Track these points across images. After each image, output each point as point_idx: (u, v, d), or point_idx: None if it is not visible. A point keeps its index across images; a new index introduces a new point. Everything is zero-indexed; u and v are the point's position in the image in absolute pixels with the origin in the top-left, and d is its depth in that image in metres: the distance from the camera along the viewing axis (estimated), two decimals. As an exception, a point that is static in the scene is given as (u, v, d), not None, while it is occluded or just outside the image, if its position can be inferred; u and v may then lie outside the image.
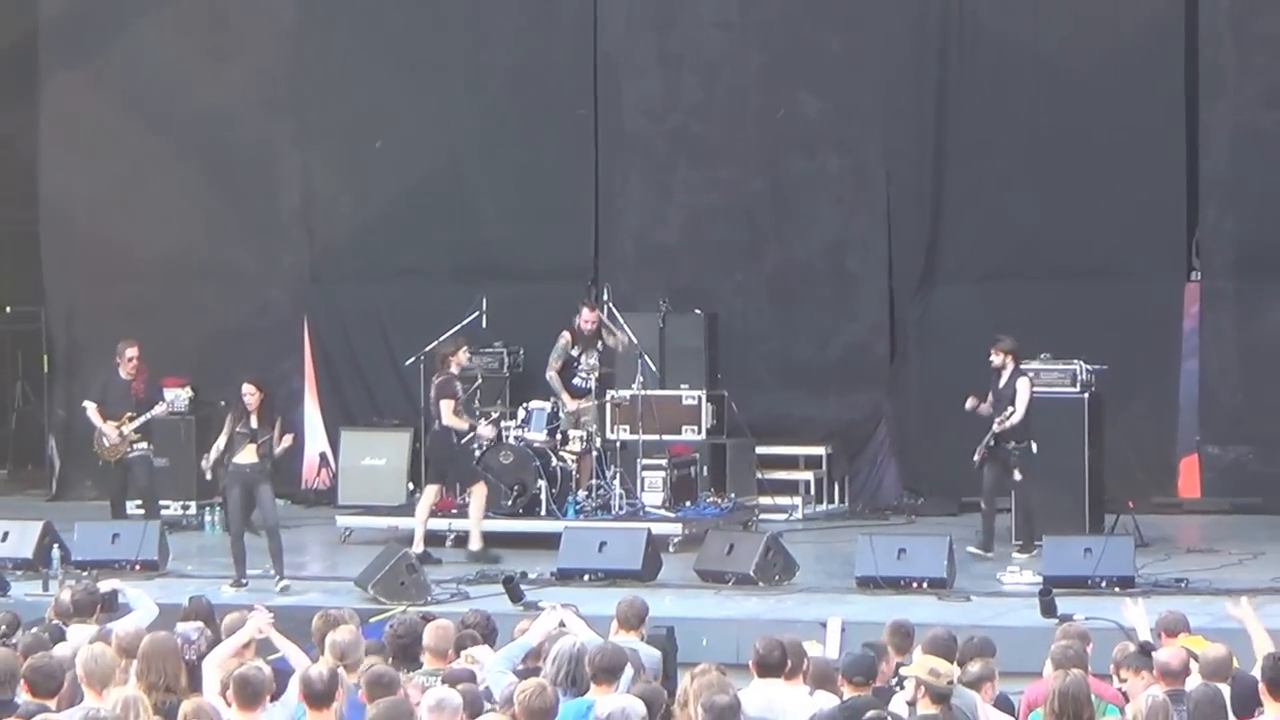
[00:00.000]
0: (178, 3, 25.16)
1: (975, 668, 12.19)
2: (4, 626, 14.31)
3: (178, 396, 21.34)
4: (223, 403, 20.95)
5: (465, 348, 21.20)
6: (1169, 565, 19.60)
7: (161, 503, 22.06)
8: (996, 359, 20.49)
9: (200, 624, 13.83)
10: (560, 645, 11.80)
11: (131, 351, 21.56)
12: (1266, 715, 10.97)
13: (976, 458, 20.34)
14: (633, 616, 13.74)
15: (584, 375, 22.13)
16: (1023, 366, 20.62)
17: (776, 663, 12.15)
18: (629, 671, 11.76)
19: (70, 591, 15.29)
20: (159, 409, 21.47)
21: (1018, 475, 20.16)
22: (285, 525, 21.28)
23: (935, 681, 11.03)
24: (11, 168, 25.82)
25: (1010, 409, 20.08)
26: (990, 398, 20.43)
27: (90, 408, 21.68)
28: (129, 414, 21.38)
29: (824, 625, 13.68)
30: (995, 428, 20.05)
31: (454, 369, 20.87)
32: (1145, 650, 13.06)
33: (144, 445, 21.56)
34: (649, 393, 21.85)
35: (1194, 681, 11.88)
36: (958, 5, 23.59)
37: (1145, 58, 23.04)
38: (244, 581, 19.18)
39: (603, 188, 24.64)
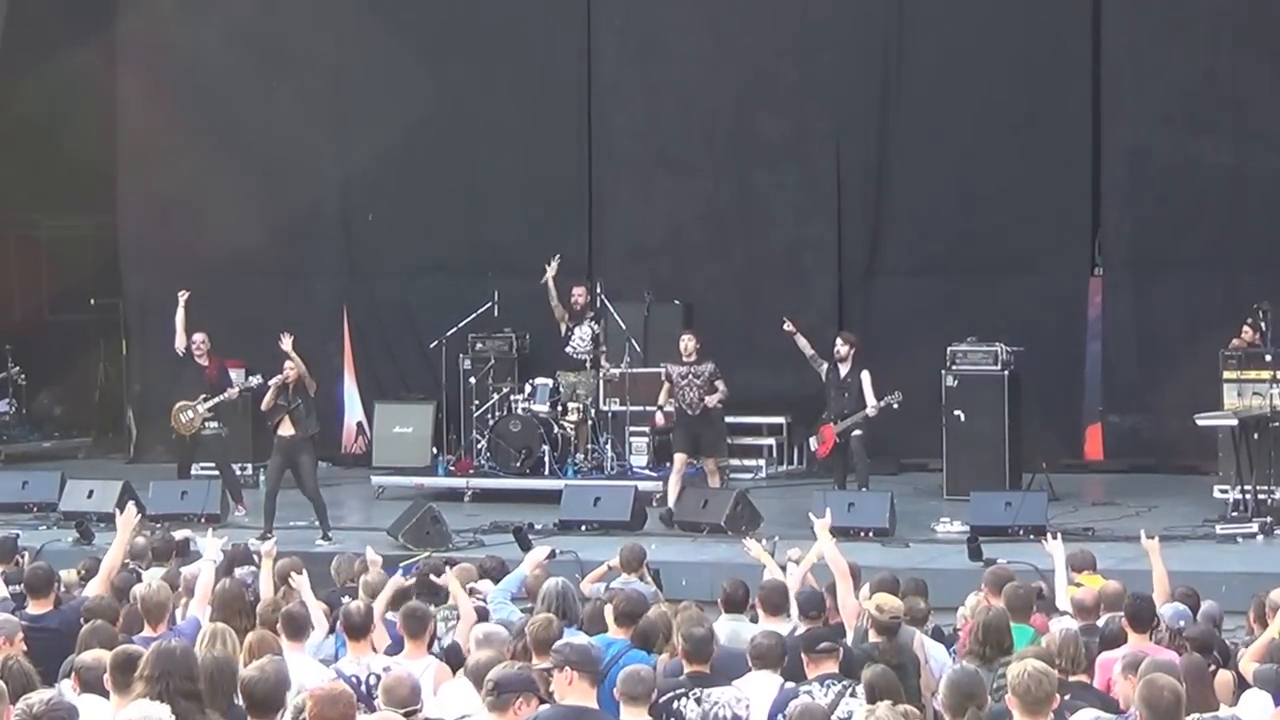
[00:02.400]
0: (237, 40, 25.10)
1: (919, 605, 12.21)
2: (85, 570, 14.33)
3: (247, 379, 21.16)
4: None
5: (687, 336, 20.88)
6: (1077, 516, 19.65)
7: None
8: (844, 349, 20.41)
9: (254, 569, 13.85)
10: (547, 586, 11.79)
11: (199, 337, 21.34)
12: (1130, 644, 11.00)
13: (820, 450, 20.41)
14: (633, 560, 13.87)
15: (576, 348, 22.11)
16: (955, 347, 20.82)
17: (741, 600, 12.15)
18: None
19: (145, 540, 15.29)
20: (231, 393, 21.22)
21: (858, 432, 20.15)
22: (328, 484, 21.33)
23: (880, 615, 11.03)
24: (96, 183, 25.76)
25: (870, 405, 20.02)
26: (831, 389, 20.38)
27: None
28: (203, 395, 21.21)
29: (784, 568, 13.68)
30: (865, 415, 20.00)
31: (684, 358, 20.71)
32: (1040, 595, 13.09)
33: (216, 424, 21.39)
34: (636, 371, 21.83)
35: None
36: (897, 41, 23.57)
37: (1056, 85, 23.04)
38: (269, 535, 19.04)
39: (596, 197, 24.61)
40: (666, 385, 20.76)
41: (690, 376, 20.56)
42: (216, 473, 21.36)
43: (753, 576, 12.97)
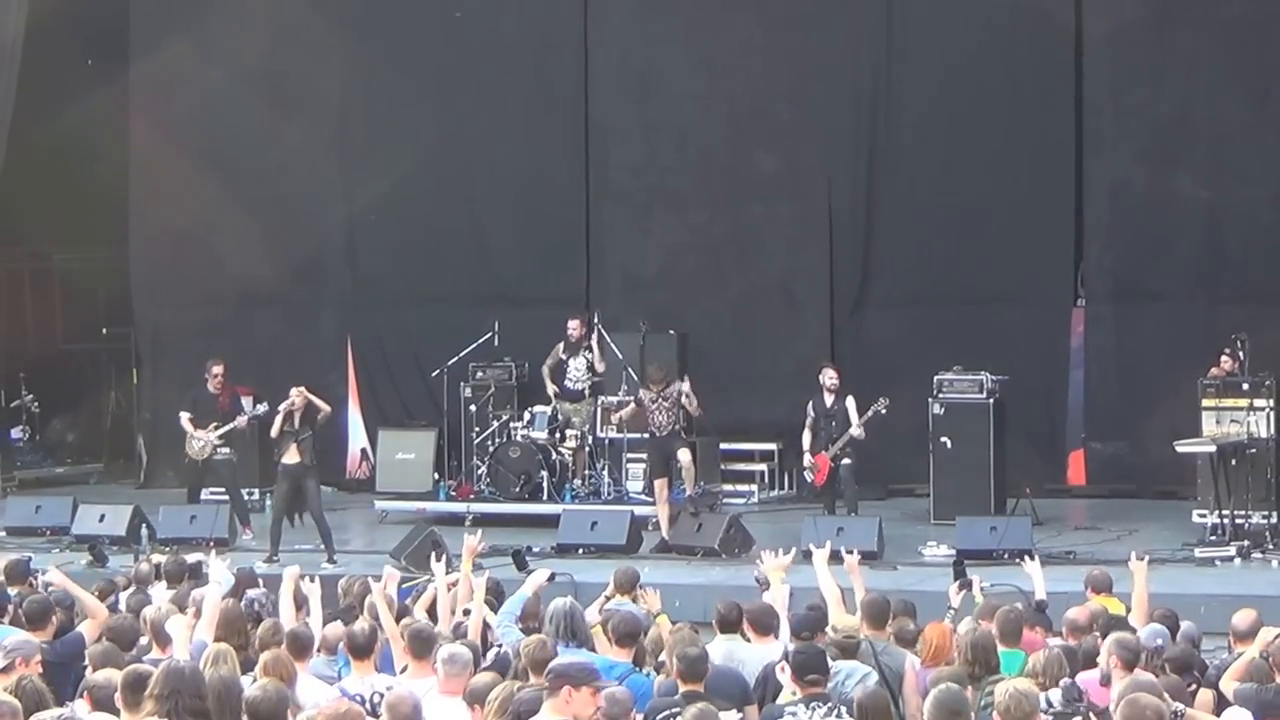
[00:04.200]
0: (245, 74, 25.13)
1: (908, 626, 12.16)
2: (98, 593, 14.29)
3: (254, 407, 21.21)
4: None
5: (654, 364, 20.55)
6: (1060, 540, 19.65)
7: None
8: (834, 380, 20.43)
9: (265, 590, 13.83)
10: (554, 606, 11.73)
11: (217, 369, 21.34)
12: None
13: (817, 478, 20.38)
14: (626, 582, 13.80)
15: (573, 379, 22.11)
16: (942, 376, 20.87)
17: (735, 621, 12.11)
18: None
19: (150, 565, 15.27)
20: (240, 420, 21.25)
21: (847, 460, 20.17)
22: (333, 508, 21.30)
23: (834, 636, 10.99)
24: (108, 217, 25.78)
25: (854, 425, 20.06)
26: (811, 418, 20.38)
27: (183, 417, 21.38)
28: (214, 424, 21.18)
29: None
30: (850, 435, 20.06)
31: (650, 384, 20.41)
32: (1040, 608, 13.07)
33: (227, 450, 21.36)
34: (629, 399, 21.79)
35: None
36: (885, 79, 23.62)
37: (1040, 122, 23.07)
38: (275, 558, 18.98)
39: (593, 230, 24.62)
40: (642, 415, 20.62)
41: (660, 400, 20.40)
42: (225, 497, 21.35)
43: (745, 598, 12.95)
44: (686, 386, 20.38)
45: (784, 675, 10.41)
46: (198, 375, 21.74)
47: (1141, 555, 13.57)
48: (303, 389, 19.73)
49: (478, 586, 12.64)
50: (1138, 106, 22.86)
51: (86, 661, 10.87)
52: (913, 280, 23.50)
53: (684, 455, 20.24)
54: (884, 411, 20.09)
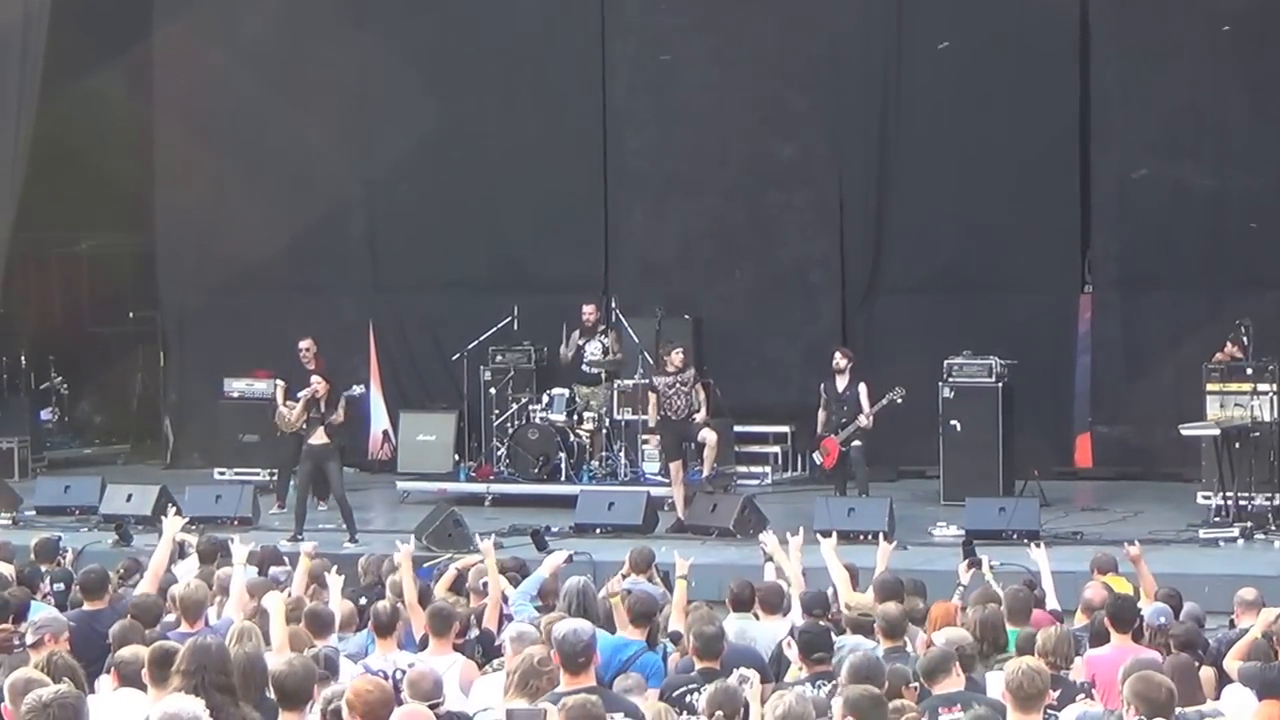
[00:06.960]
0: (267, 61, 25.08)
1: (918, 605, 12.17)
2: (124, 570, 14.35)
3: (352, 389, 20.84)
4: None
5: (677, 349, 20.42)
6: (1067, 521, 19.63)
7: (252, 470, 21.98)
8: (843, 362, 20.42)
9: (288, 568, 13.85)
10: (568, 584, 11.76)
11: (305, 344, 21.13)
12: (1112, 642, 10.99)
13: (826, 462, 20.35)
14: (642, 561, 13.86)
15: (588, 364, 22.09)
16: (952, 360, 20.77)
17: (748, 599, 12.12)
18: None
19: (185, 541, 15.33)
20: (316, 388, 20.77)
21: (857, 443, 20.16)
22: (355, 489, 21.31)
23: (849, 614, 11.03)
24: (133, 202, 25.79)
25: (863, 415, 20.05)
26: (824, 400, 20.36)
27: (278, 386, 21.02)
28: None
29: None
30: (858, 425, 20.04)
31: (669, 369, 20.34)
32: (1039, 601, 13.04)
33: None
34: (643, 382, 21.77)
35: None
36: (896, 69, 23.56)
37: (1047, 112, 23.01)
38: (300, 537, 18.96)
39: (611, 217, 24.59)
40: (653, 398, 20.56)
41: (677, 385, 20.35)
42: (249, 478, 21.35)
43: (758, 578, 12.96)
44: (700, 393, 20.35)
45: (790, 651, 10.44)
46: (291, 353, 21.44)
47: (1133, 543, 13.68)
48: (322, 379, 19.72)
49: (486, 551, 12.64)
50: (1143, 98, 22.80)
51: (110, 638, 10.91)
52: (923, 267, 23.45)
53: (710, 436, 20.23)
54: (899, 401, 20.06)
